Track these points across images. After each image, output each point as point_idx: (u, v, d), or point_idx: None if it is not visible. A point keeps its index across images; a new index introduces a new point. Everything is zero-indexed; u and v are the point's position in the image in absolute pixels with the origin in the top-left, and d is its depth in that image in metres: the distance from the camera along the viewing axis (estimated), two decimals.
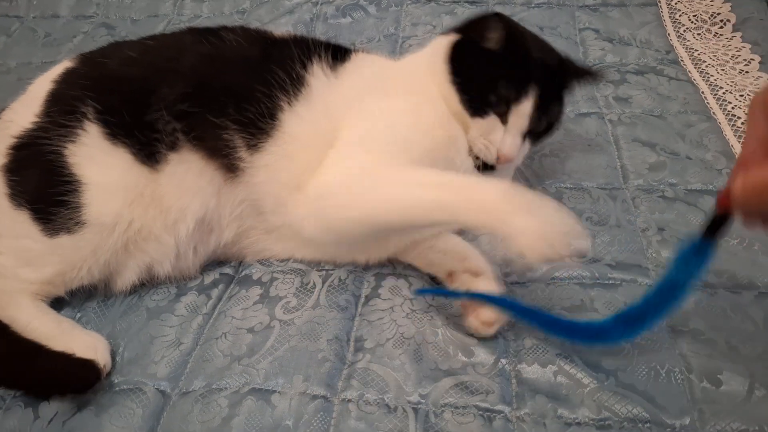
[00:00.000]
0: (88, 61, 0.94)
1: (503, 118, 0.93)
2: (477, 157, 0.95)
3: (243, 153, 0.88)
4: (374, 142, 0.89)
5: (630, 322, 0.73)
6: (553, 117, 0.98)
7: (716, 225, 0.64)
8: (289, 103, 0.89)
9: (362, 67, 0.97)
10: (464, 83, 0.93)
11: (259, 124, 0.88)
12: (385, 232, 0.89)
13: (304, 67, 0.91)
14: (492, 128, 0.93)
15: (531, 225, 0.69)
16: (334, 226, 0.86)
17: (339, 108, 0.91)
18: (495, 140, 0.93)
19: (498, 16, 0.91)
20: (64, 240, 0.83)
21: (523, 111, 0.92)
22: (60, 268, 0.85)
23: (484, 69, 0.93)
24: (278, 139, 0.89)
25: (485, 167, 0.95)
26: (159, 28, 1.64)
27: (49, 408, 0.77)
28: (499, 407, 0.74)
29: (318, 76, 0.92)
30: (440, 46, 0.97)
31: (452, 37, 0.97)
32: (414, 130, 0.91)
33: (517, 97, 0.92)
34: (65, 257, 0.85)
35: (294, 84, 0.90)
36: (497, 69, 0.93)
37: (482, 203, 0.73)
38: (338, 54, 0.96)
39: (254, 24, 1.57)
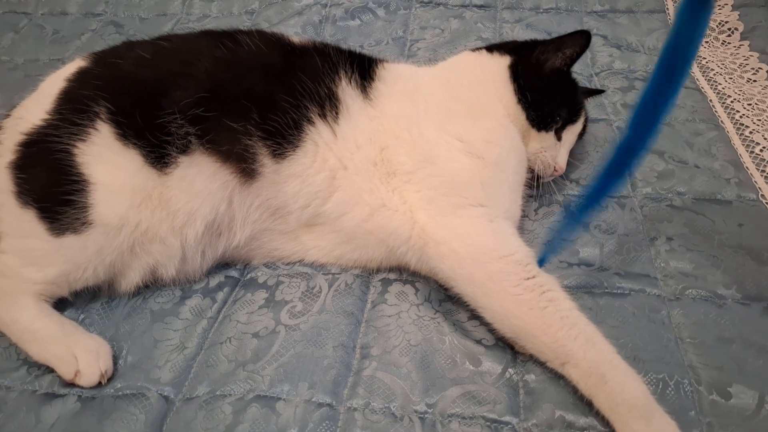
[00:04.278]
0: (102, 61, 0.93)
1: (558, 134, 1.00)
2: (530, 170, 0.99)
3: (266, 160, 0.87)
4: (471, 189, 0.87)
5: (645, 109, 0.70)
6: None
7: None
8: (321, 116, 0.89)
9: (401, 80, 0.97)
10: (533, 101, 0.97)
11: (285, 134, 0.87)
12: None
13: (333, 81, 0.91)
14: (552, 143, 0.99)
15: None
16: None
17: (386, 128, 0.91)
18: (553, 155, 1.00)
19: (588, 33, 0.97)
20: (69, 240, 0.83)
21: (576, 129, 1.02)
22: (65, 268, 0.84)
23: (552, 88, 0.99)
24: (308, 151, 0.88)
25: None
26: (167, 27, 1.63)
27: (51, 412, 0.77)
28: (507, 418, 0.73)
29: (350, 91, 0.91)
30: (496, 66, 1.00)
31: (506, 59, 1.01)
32: (505, 156, 0.92)
33: (577, 115, 1.01)
34: (70, 257, 0.84)
35: (324, 99, 0.89)
36: (565, 87, 1.01)
37: (633, 400, 0.70)
38: (365, 65, 0.96)
39: (263, 25, 1.56)
